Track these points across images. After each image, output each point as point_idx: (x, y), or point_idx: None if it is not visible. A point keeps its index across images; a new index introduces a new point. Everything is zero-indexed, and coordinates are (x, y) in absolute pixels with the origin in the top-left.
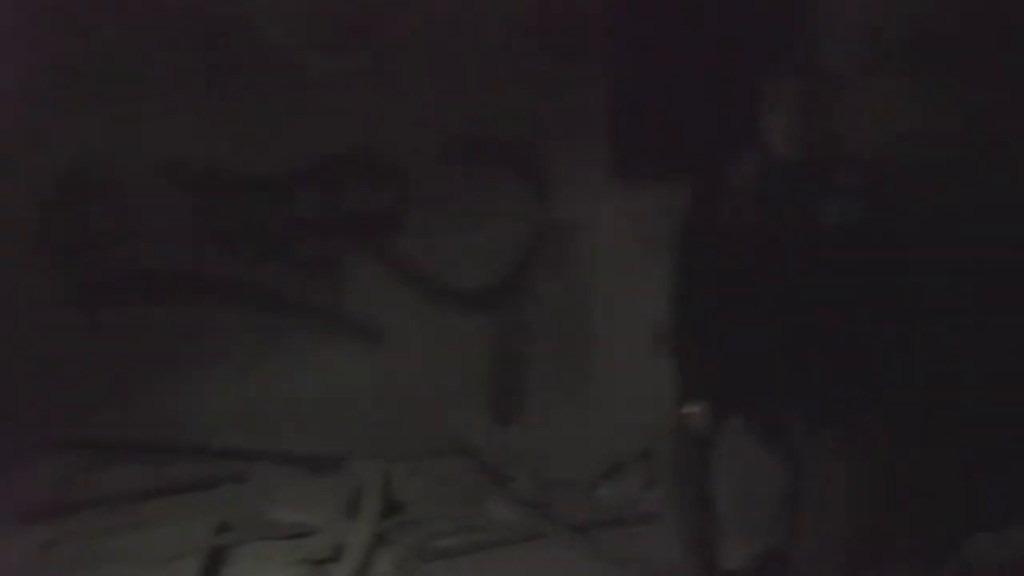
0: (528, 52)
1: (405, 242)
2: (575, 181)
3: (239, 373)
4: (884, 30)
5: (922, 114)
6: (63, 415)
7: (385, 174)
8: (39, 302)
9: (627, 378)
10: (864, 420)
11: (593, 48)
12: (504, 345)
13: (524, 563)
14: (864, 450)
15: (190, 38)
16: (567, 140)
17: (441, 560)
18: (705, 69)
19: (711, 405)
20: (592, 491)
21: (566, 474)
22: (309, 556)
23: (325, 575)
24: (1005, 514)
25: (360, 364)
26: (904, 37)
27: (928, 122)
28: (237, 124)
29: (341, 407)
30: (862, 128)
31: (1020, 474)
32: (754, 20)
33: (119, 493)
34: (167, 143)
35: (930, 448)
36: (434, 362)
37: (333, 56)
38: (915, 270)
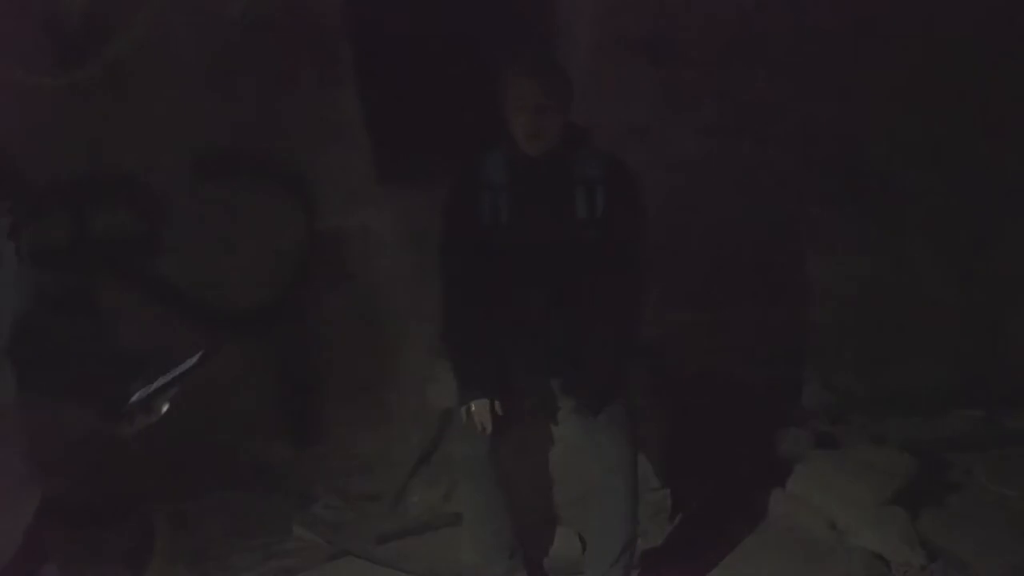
0: (275, 55)
1: (166, 265)
2: (343, 188)
3: None
4: (621, 23)
5: (665, 105)
6: None
7: (133, 194)
8: None
9: (422, 383)
10: (637, 395)
11: (339, 49)
12: (292, 364)
13: None
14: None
15: None
16: (329, 146)
17: None
18: (454, 67)
19: (493, 399)
20: (400, 501)
21: (373, 487)
22: None
23: None
24: None
25: None
26: (641, 30)
27: (672, 112)
28: None
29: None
30: (602, 120)
31: None
32: (494, 17)
33: None
34: None
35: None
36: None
37: (58, 71)
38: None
